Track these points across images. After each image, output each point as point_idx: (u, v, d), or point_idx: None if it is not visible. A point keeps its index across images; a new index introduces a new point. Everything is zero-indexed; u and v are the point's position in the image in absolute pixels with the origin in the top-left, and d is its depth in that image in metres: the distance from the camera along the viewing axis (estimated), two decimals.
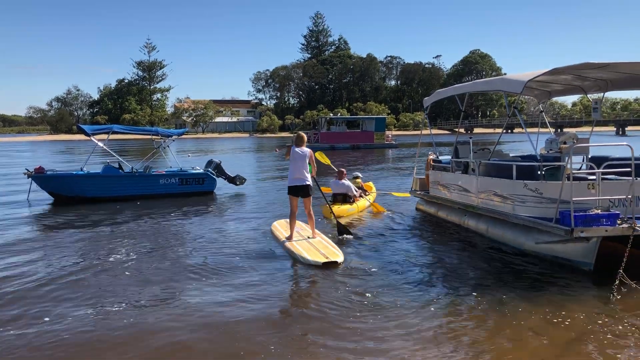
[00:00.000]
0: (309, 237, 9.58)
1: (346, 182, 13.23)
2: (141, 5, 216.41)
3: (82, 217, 12.90)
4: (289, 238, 9.49)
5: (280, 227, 10.65)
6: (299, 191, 9.40)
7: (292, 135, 64.31)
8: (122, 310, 6.34)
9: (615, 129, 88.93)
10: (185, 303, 6.60)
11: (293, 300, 6.83)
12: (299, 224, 10.32)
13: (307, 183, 9.35)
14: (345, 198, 13.10)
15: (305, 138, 9.65)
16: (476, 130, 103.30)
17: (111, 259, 8.79)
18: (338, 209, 12.39)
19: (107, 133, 16.33)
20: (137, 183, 16.11)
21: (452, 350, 5.19)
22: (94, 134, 16.02)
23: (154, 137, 17.81)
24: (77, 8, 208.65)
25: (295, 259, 8.59)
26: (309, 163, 9.44)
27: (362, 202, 13.54)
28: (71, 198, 15.35)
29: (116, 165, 16.38)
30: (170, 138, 17.75)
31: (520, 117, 10.01)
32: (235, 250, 9.35)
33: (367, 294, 6.79)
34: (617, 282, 6.71)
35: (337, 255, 8.48)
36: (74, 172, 16.00)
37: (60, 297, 6.90)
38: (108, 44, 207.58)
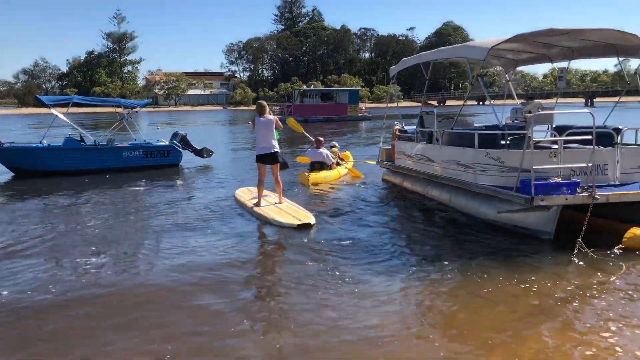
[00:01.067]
0: (276, 203, 9.80)
1: (324, 150, 13.47)
2: None
3: (40, 191, 12.50)
4: (257, 204, 9.68)
5: (244, 194, 10.77)
6: (266, 159, 9.60)
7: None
8: (79, 273, 6.39)
9: (584, 100, 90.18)
10: (148, 268, 6.73)
11: (259, 270, 6.78)
12: (265, 191, 10.34)
13: (275, 150, 9.57)
14: (322, 166, 13.33)
15: (266, 105, 9.83)
16: (449, 102, 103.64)
17: (72, 227, 8.84)
18: (315, 175, 12.74)
19: (67, 104, 15.80)
20: (100, 156, 15.66)
21: (414, 321, 5.17)
22: (53, 106, 15.50)
23: (116, 108, 17.31)
24: None
25: (268, 223, 8.83)
26: (276, 129, 9.65)
27: (340, 170, 13.81)
28: (31, 172, 14.87)
29: (78, 138, 15.89)
30: (133, 109, 17.27)
31: (483, 85, 9.89)
32: (200, 216, 9.57)
33: (333, 266, 6.70)
34: (575, 251, 6.70)
35: (308, 217, 8.81)
36: (34, 145, 15.49)
37: (23, 262, 6.98)
38: (77, 15, 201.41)
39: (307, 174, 12.67)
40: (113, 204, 10.99)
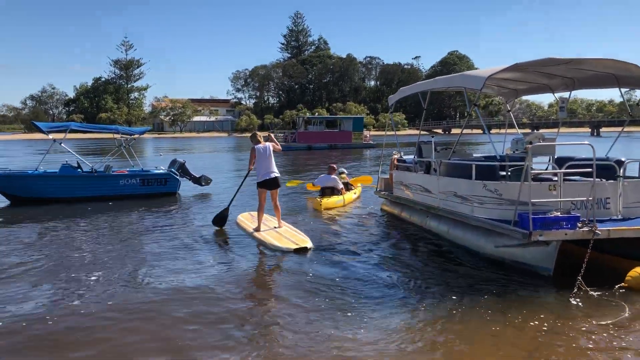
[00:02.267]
0: (275, 227, 10.08)
1: (334, 176, 14.18)
2: (119, 3, 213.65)
3: (35, 218, 12.30)
4: (257, 229, 9.94)
5: (245, 220, 10.91)
6: (269, 184, 9.91)
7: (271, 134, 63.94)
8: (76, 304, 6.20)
9: (590, 130, 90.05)
10: (149, 294, 6.72)
11: (250, 301, 6.51)
12: (266, 216, 10.60)
13: (277, 175, 9.96)
14: (333, 191, 13.90)
15: (259, 133, 10.33)
16: (454, 130, 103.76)
17: (64, 255, 8.76)
18: (327, 200, 13.28)
19: (65, 131, 15.69)
20: (96, 184, 15.49)
21: (411, 355, 4.96)
22: (50, 132, 15.40)
23: (115, 135, 17.20)
24: (53, 6, 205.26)
25: (267, 248, 9.08)
26: (273, 150, 10.01)
27: (349, 195, 14.38)
28: (27, 199, 14.69)
29: (75, 165, 15.74)
30: (132, 136, 17.15)
31: (479, 115, 9.69)
32: (193, 243, 9.62)
33: (327, 299, 6.52)
34: (575, 289, 6.40)
35: (305, 241, 9.07)
36: (29, 172, 15.34)
37: (12, 288, 6.97)
38: (85, 43, 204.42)
39: (319, 199, 13.21)
40: (107, 232, 10.79)
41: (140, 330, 5.64)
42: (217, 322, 5.83)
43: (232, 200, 11.32)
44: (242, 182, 11.27)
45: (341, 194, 13.95)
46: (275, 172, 9.92)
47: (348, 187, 14.95)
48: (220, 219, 10.86)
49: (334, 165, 14.67)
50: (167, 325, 5.75)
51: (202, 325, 5.71)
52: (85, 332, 5.56)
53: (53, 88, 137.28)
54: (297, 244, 8.89)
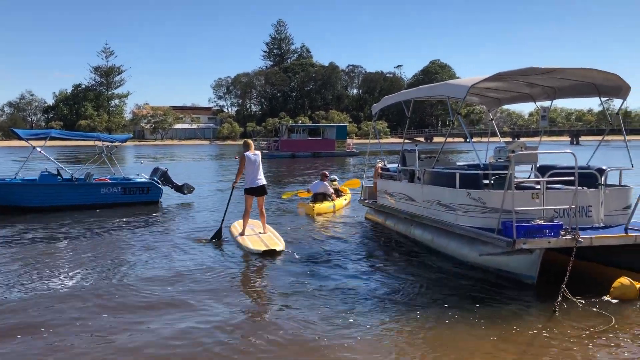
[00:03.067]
0: (260, 232, 10.45)
1: (326, 183, 14.82)
2: (99, 9, 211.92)
3: (13, 227, 12.07)
4: (242, 233, 10.28)
5: (238, 226, 10.96)
6: (257, 191, 10.24)
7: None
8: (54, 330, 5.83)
9: (569, 138, 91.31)
10: (131, 306, 6.49)
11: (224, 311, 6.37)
12: (256, 222, 10.99)
13: (264, 183, 10.32)
14: (324, 197, 14.51)
15: (252, 142, 10.63)
16: (436, 139, 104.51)
17: (45, 268, 8.45)
18: (320, 206, 13.95)
19: (45, 138, 15.46)
20: (77, 192, 15.25)
21: None
22: (29, 139, 15.17)
23: (96, 143, 16.99)
24: (31, 12, 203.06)
25: (242, 250, 9.53)
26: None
27: (340, 202, 14.99)
28: (4, 207, 14.41)
29: (55, 173, 15.50)
30: (113, 144, 16.96)
31: (463, 124, 9.75)
32: (179, 253, 9.51)
33: (314, 306, 6.48)
34: (559, 298, 6.43)
35: (277, 244, 9.51)
36: (7, 180, 15.07)
37: None
38: (65, 49, 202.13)
39: (311, 205, 13.89)
40: (87, 242, 10.56)
41: (121, 344, 5.50)
42: (200, 334, 5.73)
43: (224, 216, 11.01)
44: (231, 194, 11.07)
45: (332, 200, 14.53)
46: (263, 180, 10.28)
47: (339, 193, 15.58)
48: (216, 236, 10.63)
49: (326, 172, 15.51)
50: (149, 336, 5.64)
51: (185, 340, 5.59)
52: (64, 345, 5.43)
53: (32, 95, 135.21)
54: (267, 247, 9.29)
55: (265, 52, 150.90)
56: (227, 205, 11.23)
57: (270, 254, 9.15)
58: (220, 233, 10.67)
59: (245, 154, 10.18)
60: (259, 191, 10.24)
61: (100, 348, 5.34)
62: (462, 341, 5.51)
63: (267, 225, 10.67)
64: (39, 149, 15.22)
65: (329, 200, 14.49)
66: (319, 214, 13.67)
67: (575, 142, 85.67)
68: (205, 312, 6.40)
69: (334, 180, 16.21)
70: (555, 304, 6.35)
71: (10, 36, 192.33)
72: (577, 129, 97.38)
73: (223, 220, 10.92)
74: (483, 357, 5.13)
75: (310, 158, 49.27)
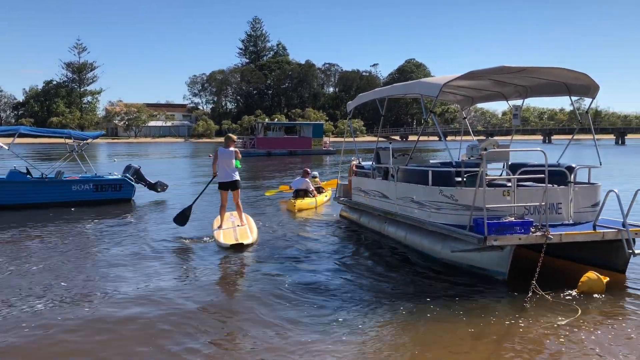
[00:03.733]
0: (238, 225, 10.69)
1: (306, 179, 15.22)
2: (71, 4, 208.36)
3: None
4: (220, 227, 10.51)
5: (218, 220, 10.99)
6: (228, 186, 10.55)
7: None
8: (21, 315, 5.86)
9: (542, 137, 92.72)
10: (104, 307, 6.39)
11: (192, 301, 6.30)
12: (234, 214, 11.23)
13: (236, 179, 10.59)
14: (306, 193, 14.86)
15: (234, 137, 10.92)
16: (411, 137, 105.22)
17: (13, 265, 8.30)
18: (301, 202, 14.31)
19: (13, 135, 15.14)
20: (47, 189, 14.98)
21: None
22: None
23: (67, 140, 16.70)
24: (2, 6, 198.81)
25: (215, 243, 9.85)
26: (236, 159, 10.54)
27: (321, 198, 15.44)
28: None
29: (24, 170, 15.20)
30: (84, 141, 16.70)
31: (436, 122, 9.84)
32: (153, 251, 9.42)
33: (287, 305, 6.47)
34: (530, 293, 6.53)
35: (247, 237, 9.85)
36: None
37: None
38: (35, 45, 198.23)
39: (293, 201, 14.28)
40: (58, 240, 10.39)
41: (96, 347, 5.41)
42: (177, 335, 5.66)
43: (195, 200, 11.49)
44: (208, 184, 11.60)
45: (314, 196, 14.94)
46: (236, 176, 10.58)
47: (320, 190, 15.96)
48: (182, 218, 11.12)
49: (308, 169, 15.89)
50: (125, 341, 5.56)
51: (162, 339, 5.51)
52: (36, 349, 5.33)
53: (1, 91, 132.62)
54: (236, 240, 9.59)
55: (240, 49, 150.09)
56: (201, 193, 11.77)
57: (239, 247, 9.40)
58: (186, 217, 11.08)
59: (219, 149, 10.51)
60: (231, 186, 10.55)
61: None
62: (436, 336, 5.56)
63: (246, 217, 11.10)
64: (5, 147, 14.90)
65: (310, 197, 14.86)
66: (300, 210, 13.99)
67: (547, 141, 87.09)
68: (179, 312, 6.33)
69: (316, 177, 16.57)
70: (525, 298, 6.45)
71: None
72: (549, 127, 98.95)
73: (192, 203, 11.32)
74: (457, 351, 5.18)
75: (287, 156, 49.16)
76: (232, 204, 10.87)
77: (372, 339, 5.49)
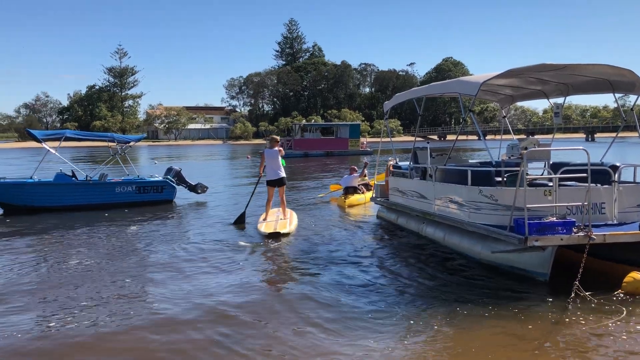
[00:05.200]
0: (280, 218, 11.74)
1: (354, 176, 16.03)
2: (112, 10, 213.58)
3: (30, 228, 12.21)
4: (265, 219, 11.65)
5: (264, 213, 12.08)
6: (275, 183, 11.70)
7: (265, 141, 64.35)
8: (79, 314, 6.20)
9: (584, 135, 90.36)
10: (149, 309, 6.52)
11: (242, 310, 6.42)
12: (279, 210, 12.25)
13: (282, 176, 11.70)
14: (355, 190, 15.70)
15: (278, 138, 12.23)
16: (449, 137, 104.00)
17: (64, 266, 8.63)
18: (350, 198, 15.22)
19: (60, 139, 15.65)
20: (91, 191, 15.43)
21: None
22: (45, 140, 15.36)
23: (110, 143, 17.16)
24: (47, 14, 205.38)
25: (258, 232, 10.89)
26: (282, 157, 11.76)
27: (369, 194, 15.42)
28: (21, 208, 14.60)
29: (69, 173, 15.68)
30: (127, 144, 17.12)
31: (475, 120, 9.72)
32: (191, 252, 9.60)
33: (324, 305, 6.54)
34: (572, 294, 6.40)
35: (284, 227, 10.80)
36: (24, 180, 15.27)
37: (15, 303, 6.79)
38: (79, 51, 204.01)
39: (343, 197, 15.32)
40: (104, 241, 10.69)
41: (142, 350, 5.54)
42: (212, 331, 5.79)
43: (248, 202, 12.79)
44: (256, 185, 12.98)
45: (362, 193, 15.73)
46: (280, 174, 11.63)
47: (368, 187, 16.32)
48: (240, 220, 12.27)
49: (355, 167, 16.70)
50: (167, 335, 5.71)
51: (211, 343, 5.63)
52: (85, 350, 5.49)
53: (47, 96, 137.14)
54: (274, 229, 10.60)
55: (277, 51, 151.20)
56: (251, 195, 13.02)
57: (275, 236, 10.40)
58: (243, 217, 12.23)
59: (265, 150, 11.87)
60: (278, 182, 11.68)
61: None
62: (477, 338, 5.51)
63: (290, 212, 12.29)
64: (52, 151, 15.41)
65: (359, 193, 15.61)
66: (350, 206, 14.90)
67: (590, 139, 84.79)
68: (218, 312, 6.44)
69: (364, 174, 17.09)
70: (568, 299, 6.33)
71: (25, 38, 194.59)
72: (592, 125, 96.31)
73: (247, 206, 12.54)
74: (498, 353, 5.13)
75: (323, 157, 49.24)
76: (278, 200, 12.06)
77: (408, 339, 5.48)
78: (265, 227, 10.89)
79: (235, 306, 6.59)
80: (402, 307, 6.43)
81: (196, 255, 9.35)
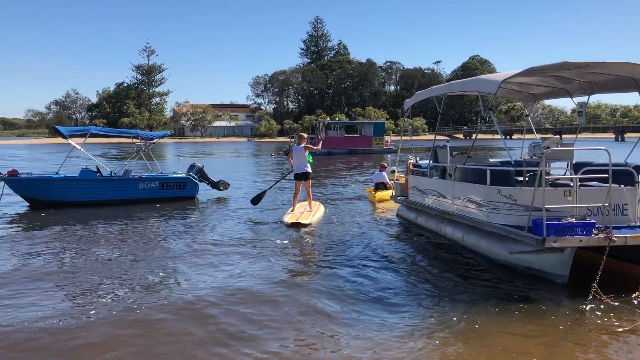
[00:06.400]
0: (307, 210, 12.66)
1: (383, 173, 16.67)
2: (140, 9, 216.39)
3: (55, 222, 12.51)
4: (292, 210, 12.63)
5: (292, 205, 13.12)
6: (301, 177, 12.61)
7: (289, 139, 64.44)
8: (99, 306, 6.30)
9: (614, 135, 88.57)
10: (172, 302, 6.66)
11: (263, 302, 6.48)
12: (305, 204, 13.22)
13: (307, 170, 12.58)
14: (385, 186, 16.28)
15: (305, 135, 12.94)
16: (475, 136, 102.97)
17: (87, 257, 9.02)
18: (380, 193, 15.93)
19: (85, 135, 15.93)
20: (116, 187, 15.69)
21: None
22: (71, 136, 15.65)
23: (134, 139, 17.40)
24: (76, 12, 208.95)
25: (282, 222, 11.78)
26: (309, 153, 12.73)
27: None
28: (47, 202, 14.92)
29: (94, 169, 15.95)
30: (151, 141, 17.33)
31: (494, 119, 9.60)
32: (212, 248, 9.73)
33: (342, 300, 6.63)
34: (590, 296, 6.30)
35: (306, 219, 11.70)
36: (50, 176, 15.59)
37: (46, 289, 7.23)
38: (108, 48, 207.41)
39: (373, 192, 16.10)
40: (127, 236, 10.90)
41: (159, 340, 5.65)
42: (229, 323, 5.86)
43: (271, 186, 14.65)
44: (285, 175, 14.70)
45: (390, 188, 15.83)
46: (306, 168, 12.51)
47: None
48: (257, 199, 13.73)
49: (385, 164, 17.54)
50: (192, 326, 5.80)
51: (212, 326, 5.74)
52: (107, 342, 5.59)
53: (76, 93, 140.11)
54: (296, 220, 11.56)
55: (302, 49, 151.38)
56: (278, 180, 15.03)
57: (296, 225, 11.32)
58: (261, 197, 13.74)
59: (293, 146, 12.68)
60: (303, 176, 12.57)
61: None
62: (494, 339, 5.47)
63: (316, 205, 13.45)
64: (78, 147, 15.68)
65: (388, 189, 15.99)
66: (380, 201, 15.62)
67: (620, 139, 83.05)
68: (240, 303, 6.52)
69: (393, 171, 17.23)
70: (586, 302, 6.24)
71: (56, 36, 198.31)
72: (622, 125, 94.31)
73: (269, 188, 14.37)
74: (515, 355, 5.08)
75: (347, 155, 49.13)
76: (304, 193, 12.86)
77: (426, 338, 5.46)
78: (289, 218, 11.77)
79: (251, 294, 6.78)
80: (418, 306, 6.40)
81: (213, 249, 9.59)
